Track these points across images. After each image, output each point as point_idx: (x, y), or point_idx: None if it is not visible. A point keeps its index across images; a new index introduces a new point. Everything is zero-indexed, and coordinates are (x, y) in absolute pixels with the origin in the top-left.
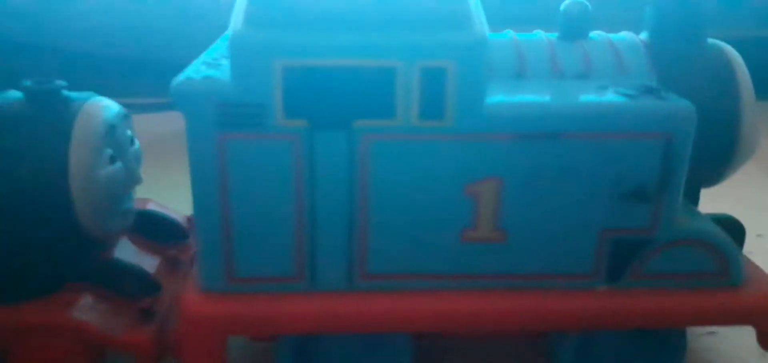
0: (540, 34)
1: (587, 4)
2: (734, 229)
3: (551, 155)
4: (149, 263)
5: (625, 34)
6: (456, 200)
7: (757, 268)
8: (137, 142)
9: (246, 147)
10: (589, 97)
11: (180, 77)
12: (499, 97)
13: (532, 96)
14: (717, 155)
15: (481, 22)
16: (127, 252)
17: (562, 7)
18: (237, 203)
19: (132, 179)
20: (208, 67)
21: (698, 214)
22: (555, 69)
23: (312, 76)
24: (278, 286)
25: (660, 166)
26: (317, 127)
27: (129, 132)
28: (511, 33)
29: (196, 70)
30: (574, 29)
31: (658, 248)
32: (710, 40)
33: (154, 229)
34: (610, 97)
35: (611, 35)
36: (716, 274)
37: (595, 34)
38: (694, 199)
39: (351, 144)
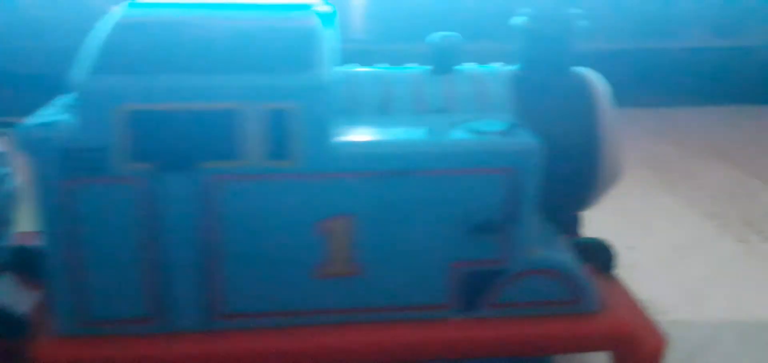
0: (413, 69)
1: (457, 36)
2: (602, 252)
3: (400, 192)
4: (26, 302)
5: (497, 66)
6: (307, 239)
7: (622, 292)
8: (13, 181)
9: (93, 191)
10: (437, 135)
11: (25, 123)
12: (347, 136)
13: (382, 134)
14: (580, 182)
15: (327, 63)
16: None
17: (428, 39)
18: (87, 246)
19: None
20: (61, 110)
21: (555, 242)
22: (419, 104)
23: (157, 120)
24: (134, 328)
25: (506, 200)
26: (164, 170)
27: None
28: (383, 68)
29: (45, 114)
30: (443, 62)
31: (510, 278)
32: (576, 69)
33: (37, 265)
34: (458, 134)
35: (483, 67)
36: (570, 302)
37: (466, 66)
38: (572, 225)
39: (198, 185)
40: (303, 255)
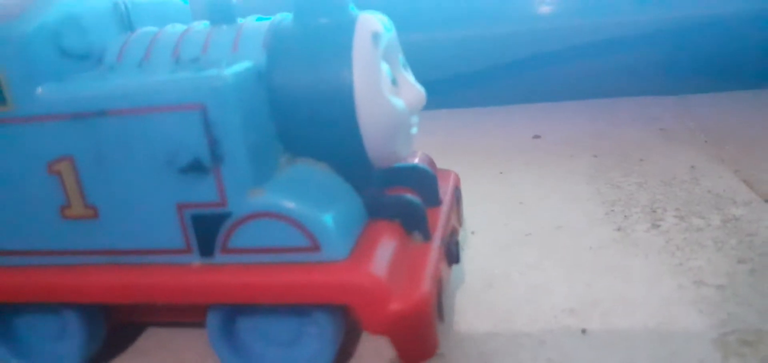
0: (191, 25)
1: None
2: (410, 210)
3: (108, 133)
4: None
5: (269, 18)
6: (44, 179)
7: (373, 246)
8: None
9: None
10: (136, 78)
11: None
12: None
13: (93, 80)
14: (340, 131)
15: (37, 17)
16: None
17: None
18: None
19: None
20: None
21: (304, 185)
22: (173, 56)
23: None
24: None
25: (207, 138)
26: None
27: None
28: (161, 28)
29: None
30: (217, 16)
31: (236, 222)
32: (357, 11)
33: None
34: (154, 75)
35: (257, 18)
36: (307, 249)
37: (243, 20)
38: (369, 180)
39: None
40: (46, 196)
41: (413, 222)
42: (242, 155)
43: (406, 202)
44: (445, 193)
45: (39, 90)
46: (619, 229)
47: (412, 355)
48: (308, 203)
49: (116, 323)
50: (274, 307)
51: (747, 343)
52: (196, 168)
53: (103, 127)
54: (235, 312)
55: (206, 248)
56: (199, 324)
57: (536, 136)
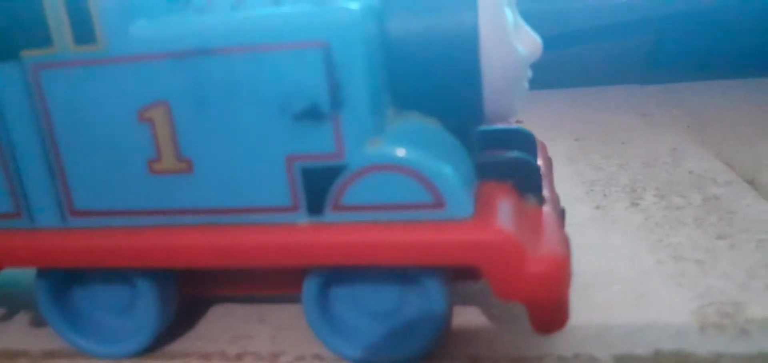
0: None
1: None
2: (525, 170)
3: (211, 74)
4: None
5: None
6: (133, 128)
7: (494, 206)
8: None
9: None
10: (244, 12)
11: None
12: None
13: (191, 18)
14: (463, 80)
15: None
16: None
17: None
18: None
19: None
20: None
21: (421, 138)
22: None
23: None
24: (2, 223)
25: (327, 81)
26: None
27: None
28: None
29: None
30: None
31: (352, 176)
32: None
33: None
34: (266, 9)
35: None
36: (429, 205)
37: None
38: (466, 140)
39: (23, 76)
40: (133, 147)
41: (527, 183)
42: (364, 101)
43: (521, 161)
44: (543, 159)
45: (133, 27)
46: (598, 208)
47: (547, 322)
48: (431, 156)
49: (188, 296)
50: (374, 274)
51: (726, 314)
52: (312, 115)
53: (207, 68)
54: (330, 281)
55: (315, 205)
56: (265, 299)
57: (518, 122)
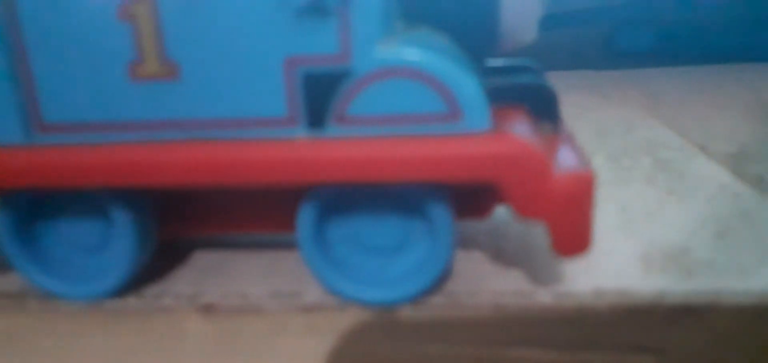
0: None
1: None
2: (539, 93)
3: None
4: None
5: None
6: (112, 27)
7: (511, 124)
8: None
9: None
10: None
11: None
12: None
13: None
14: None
15: None
16: None
17: None
18: None
19: None
20: None
21: (434, 46)
22: None
23: None
24: None
25: None
26: None
27: None
28: None
29: None
30: None
31: (360, 82)
32: None
33: None
34: None
35: None
36: (444, 117)
37: None
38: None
39: None
40: (113, 49)
41: (543, 108)
42: None
43: (537, 85)
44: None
45: None
46: None
47: (569, 244)
48: (448, 61)
49: (167, 235)
50: (374, 204)
51: (671, 257)
52: (317, 8)
53: None
54: (327, 213)
55: (316, 117)
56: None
57: None
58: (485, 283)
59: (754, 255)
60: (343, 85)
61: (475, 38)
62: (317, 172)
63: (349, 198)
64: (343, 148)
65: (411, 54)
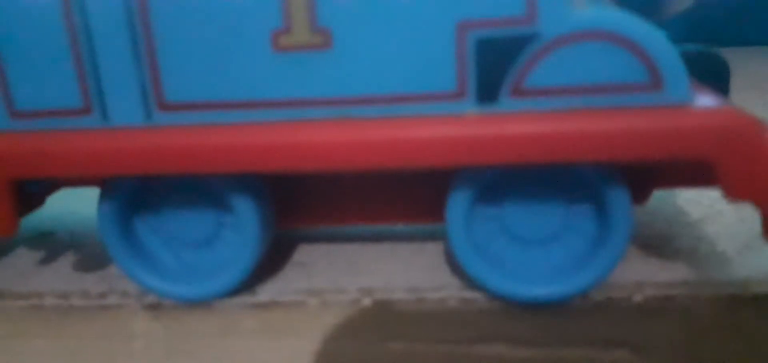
0: None
1: None
2: (715, 65)
3: None
4: None
5: None
6: None
7: (700, 85)
8: None
9: None
10: None
11: None
12: None
13: None
14: None
15: None
16: None
17: None
18: (4, 32)
19: None
20: None
21: (603, 5)
22: None
23: None
24: (67, 121)
25: None
26: None
27: None
28: None
29: None
30: None
31: (546, 48)
32: None
33: None
34: None
35: None
36: (643, 87)
37: None
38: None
39: None
40: (255, 15)
41: (713, 79)
42: None
43: (711, 54)
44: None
45: None
46: None
47: None
48: (647, 25)
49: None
50: (534, 187)
51: (651, 247)
52: None
53: None
54: (478, 199)
55: (488, 90)
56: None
57: None
58: (452, 278)
59: (735, 244)
60: (525, 52)
61: (638, 2)
62: (490, 152)
63: (504, 182)
64: (524, 124)
65: (610, 15)
